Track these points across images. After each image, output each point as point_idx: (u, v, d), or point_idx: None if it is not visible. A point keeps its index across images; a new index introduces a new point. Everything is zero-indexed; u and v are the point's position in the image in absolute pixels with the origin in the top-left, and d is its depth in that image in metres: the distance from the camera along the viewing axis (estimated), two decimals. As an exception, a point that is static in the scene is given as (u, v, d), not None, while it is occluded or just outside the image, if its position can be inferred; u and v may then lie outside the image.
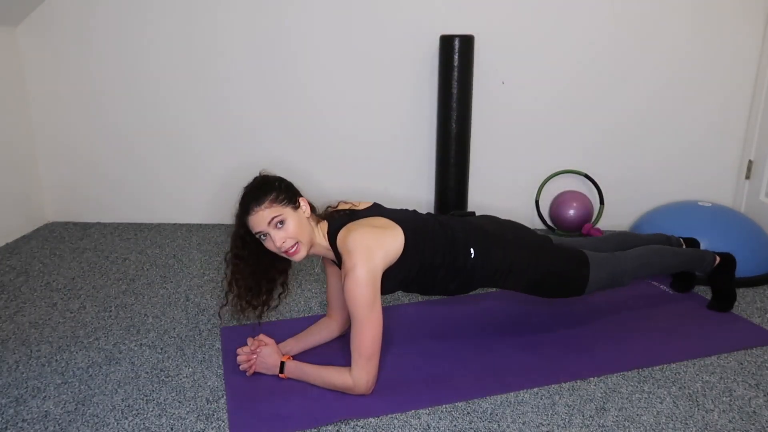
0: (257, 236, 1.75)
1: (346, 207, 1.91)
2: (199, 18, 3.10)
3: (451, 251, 1.85)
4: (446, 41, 2.93)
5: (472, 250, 1.87)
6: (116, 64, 3.17)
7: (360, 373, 1.71)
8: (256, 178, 1.81)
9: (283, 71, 3.17)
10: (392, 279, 1.78)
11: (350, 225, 1.77)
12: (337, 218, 1.84)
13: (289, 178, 1.84)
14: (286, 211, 1.72)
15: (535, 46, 3.11)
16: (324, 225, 1.83)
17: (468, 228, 1.92)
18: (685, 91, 3.15)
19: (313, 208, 1.84)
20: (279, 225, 1.71)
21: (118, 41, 3.13)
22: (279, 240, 1.70)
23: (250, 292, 1.84)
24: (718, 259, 2.30)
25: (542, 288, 2.02)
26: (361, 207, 1.91)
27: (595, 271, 2.00)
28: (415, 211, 1.99)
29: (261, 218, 1.70)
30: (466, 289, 1.95)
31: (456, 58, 2.92)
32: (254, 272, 1.82)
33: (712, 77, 3.13)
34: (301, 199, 1.79)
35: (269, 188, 1.74)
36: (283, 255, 1.75)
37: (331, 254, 1.85)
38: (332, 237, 1.79)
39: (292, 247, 1.73)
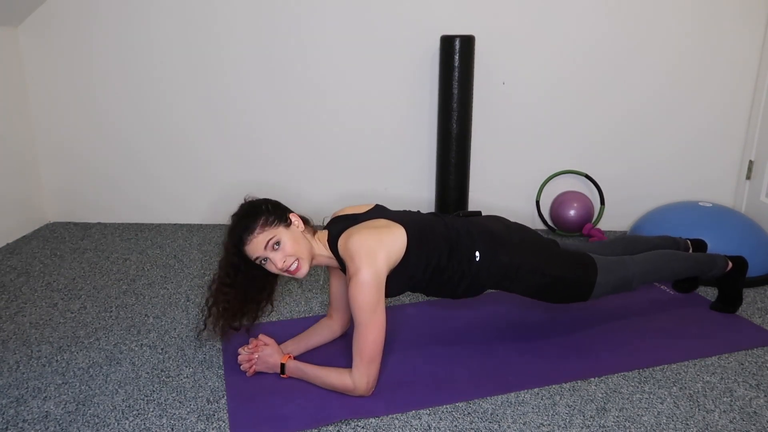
0: (257, 262, 1.75)
1: (350, 212, 1.87)
2: (202, 19, 3.10)
3: (455, 253, 1.81)
4: (447, 41, 2.93)
5: (477, 253, 1.83)
6: (117, 65, 3.17)
7: (360, 376, 1.71)
8: (242, 206, 1.78)
9: (283, 72, 3.17)
10: (398, 281, 1.76)
11: (350, 230, 1.75)
12: (338, 224, 1.81)
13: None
14: (279, 231, 1.72)
15: (536, 46, 3.11)
16: (324, 234, 1.81)
17: (473, 230, 1.87)
18: (685, 91, 3.15)
19: (306, 221, 1.83)
20: (276, 246, 1.71)
21: (119, 42, 3.14)
22: (279, 261, 1.71)
23: (235, 315, 1.85)
24: (730, 264, 2.22)
25: (548, 294, 1.95)
26: (363, 210, 1.87)
27: (603, 276, 1.94)
28: (418, 211, 1.96)
29: (256, 245, 1.71)
30: (473, 292, 1.90)
31: (456, 58, 2.92)
32: (243, 299, 1.83)
33: (712, 77, 3.13)
34: (291, 215, 1.78)
35: (257, 213, 1.73)
36: (286, 275, 1.75)
37: (334, 262, 1.83)
38: (333, 244, 1.77)
39: (293, 263, 1.73)
